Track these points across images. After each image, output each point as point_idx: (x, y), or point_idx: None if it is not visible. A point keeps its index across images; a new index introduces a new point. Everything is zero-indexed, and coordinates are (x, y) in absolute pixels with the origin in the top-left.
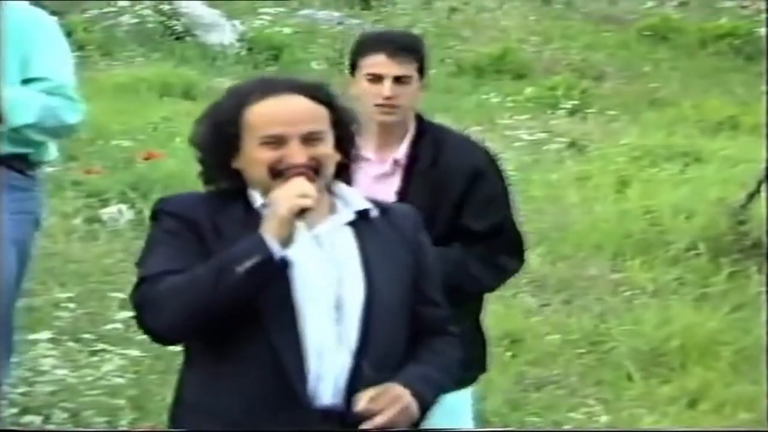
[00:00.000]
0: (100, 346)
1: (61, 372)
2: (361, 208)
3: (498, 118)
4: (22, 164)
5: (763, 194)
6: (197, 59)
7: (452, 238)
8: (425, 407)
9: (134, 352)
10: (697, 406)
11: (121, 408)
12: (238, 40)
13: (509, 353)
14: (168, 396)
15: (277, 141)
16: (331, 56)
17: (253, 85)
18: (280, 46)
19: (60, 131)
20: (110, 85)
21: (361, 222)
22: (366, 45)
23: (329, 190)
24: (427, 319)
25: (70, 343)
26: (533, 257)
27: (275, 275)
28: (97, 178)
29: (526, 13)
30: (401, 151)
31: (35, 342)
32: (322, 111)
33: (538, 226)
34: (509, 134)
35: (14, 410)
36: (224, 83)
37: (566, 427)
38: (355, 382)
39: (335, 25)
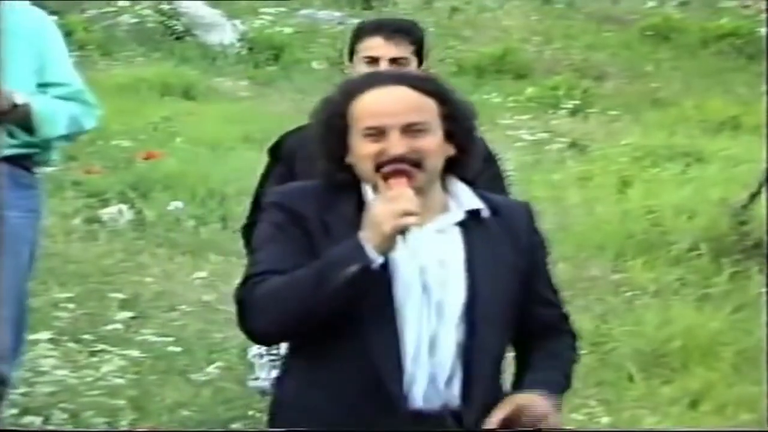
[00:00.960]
0: (100, 346)
1: (61, 372)
2: (472, 208)
3: (499, 118)
4: (28, 162)
5: (764, 194)
6: (197, 59)
7: None
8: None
9: (134, 353)
10: (699, 407)
11: (121, 408)
12: (239, 40)
13: (512, 354)
14: (168, 397)
15: (378, 132)
16: (332, 56)
17: (362, 78)
18: (280, 45)
19: (77, 136)
20: (110, 85)
21: (472, 222)
22: (363, 30)
23: (443, 187)
24: (542, 318)
25: (70, 344)
26: None
27: (374, 283)
28: (97, 178)
29: (527, 12)
30: None
31: (35, 342)
32: (427, 102)
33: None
34: (510, 134)
35: (14, 411)
36: (224, 83)
37: (567, 428)
38: (470, 389)
39: (336, 24)
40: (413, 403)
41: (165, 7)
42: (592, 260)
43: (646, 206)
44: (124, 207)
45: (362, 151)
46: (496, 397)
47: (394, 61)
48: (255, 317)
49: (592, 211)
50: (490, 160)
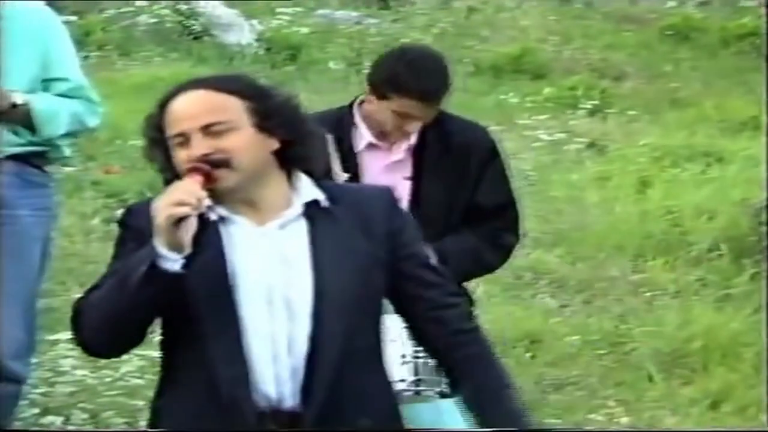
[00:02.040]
0: None
1: (80, 372)
2: (310, 199)
3: (517, 118)
4: (39, 161)
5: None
6: (215, 59)
7: (464, 218)
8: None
9: (153, 353)
10: (720, 408)
11: (139, 409)
12: (256, 40)
13: (528, 354)
14: None
15: (184, 139)
16: (349, 56)
17: (171, 87)
18: (297, 45)
19: (81, 134)
20: (128, 85)
21: (318, 213)
22: (400, 84)
23: (290, 183)
24: (429, 303)
25: None
26: (553, 258)
27: (167, 282)
28: (116, 177)
29: (545, 12)
30: (413, 137)
31: (55, 342)
32: (228, 100)
33: (558, 226)
34: (528, 134)
35: (35, 410)
36: None
37: (586, 428)
38: (311, 384)
39: (353, 24)
40: (282, 404)
41: (183, 7)
42: (610, 260)
43: (666, 206)
44: None
45: (176, 159)
46: (355, 390)
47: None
48: (78, 329)
49: (610, 212)
50: (493, 154)
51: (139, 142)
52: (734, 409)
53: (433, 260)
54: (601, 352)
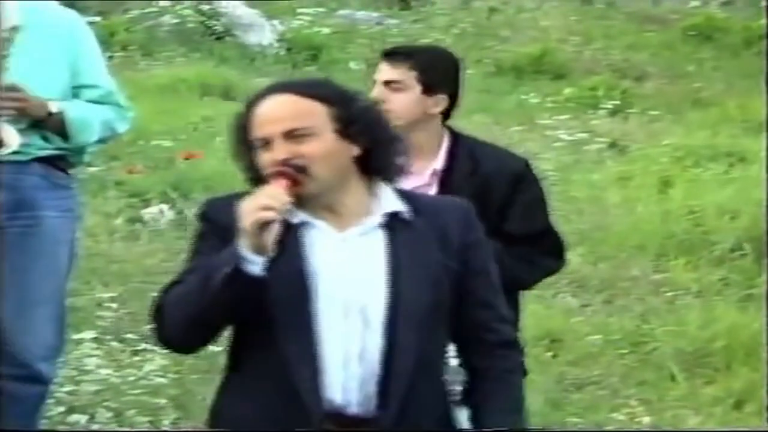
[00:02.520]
0: (143, 345)
1: (104, 371)
2: (392, 210)
3: (538, 118)
4: (64, 163)
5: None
6: (237, 59)
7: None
8: None
9: (175, 353)
10: (743, 408)
11: (162, 408)
12: (278, 40)
13: (550, 353)
14: (210, 396)
15: (267, 142)
16: (370, 56)
17: (259, 89)
18: (318, 46)
19: (110, 140)
20: (151, 85)
21: (398, 223)
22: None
23: (370, 191)
24: (477, 322)
25: (114, 343)
26: (574, 257)
27: (250, 285)
28: (139, 177)
29: (566, 13)
30: (440, 161)
31: (80, 341)
32: (312, 106)
33: (579, 226)
34: (549, 134)
35: (61, 409)
36: (263, 83)
37: (608, 428)
38: (386, 394)
39: (374, 25)
40: (347, 410)
41: (205, 7)
42: (632, 260)
43: (688, 206)
44: (165, 207)
45: (260, 162)
46: (425, 398)
47: (387, 83)
48: (161, 325)
49: (632, 211)
50: (520, 182)
51: (162, 142)
52: (757, 409)
53: (497, 281)
54: (623, 351)
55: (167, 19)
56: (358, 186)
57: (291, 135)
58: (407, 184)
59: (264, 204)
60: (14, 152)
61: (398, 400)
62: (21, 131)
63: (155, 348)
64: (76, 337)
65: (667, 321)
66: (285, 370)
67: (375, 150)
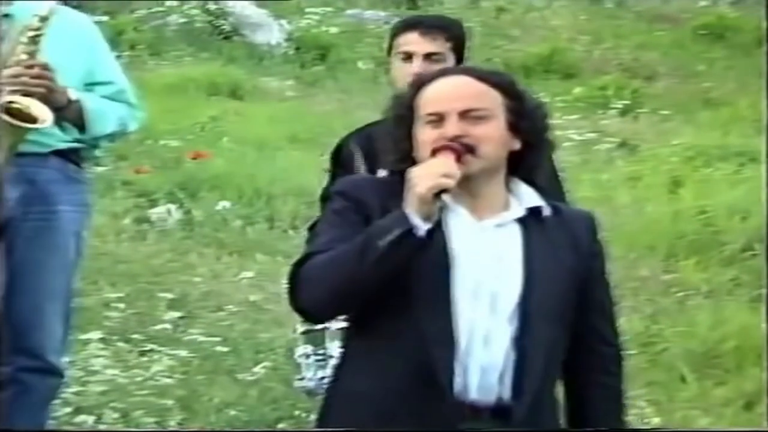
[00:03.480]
0: (149, 346)
1: (111, 372)
2: (533, 205)
3: None
4: (78, 157)
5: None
6: (244, 59)
7: None
8: None
9: (182, 353)
10: (754, 409)
11: (169, 408)
12: (286, 40)
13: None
14: (216, 396)
15: (438, 118)
16: (378, 56)
17: (432, 72)
18: (327, 45)
19: (121, 137)
20: (159, 85)
21: (532, 220)
22: (400, 26)
23: (507, 186)
24: (590, 326)
25: (120, 343)
26: None
27: (418, 249)
28: (147, 177)
29: (575, 12)
30: None
31: (87, 342)
32: (490, 92)
33: None
34: (558, 134)
35: (68, 410)
36: (271, 83)
37: (615, 428)
38: (520, 384)
39: (382, 24)
40: (465, 395)
41: (212, 6)
42: (642, 260)
43: (699, 206)
44: (172, 207)
45: (423, 138)
46: (549, 392)
47: (428, 56)
48: (303, 292)
49: (642, 211)
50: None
51: (170, 141)
52: None
53: (614, 298)
54: (632, 352)
55: (174, 18)
56: (501, 179)
57: (467, 114)
58: None
59: (443, 171)
60: (33, 144)
61: (531, 393)
62: None
63: (162, 348)
64: (83, 337)
65: (677, 321)
66: (422, 348)
67: (533, 149)
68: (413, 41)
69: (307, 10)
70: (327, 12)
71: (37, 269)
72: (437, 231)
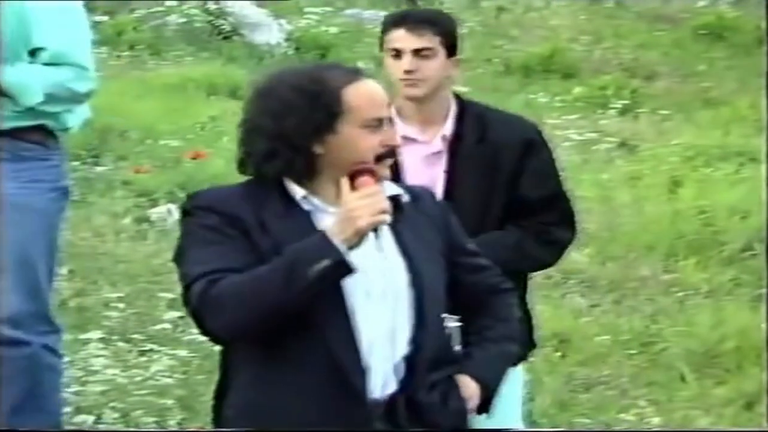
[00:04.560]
0: (149, 346)
1: (111, 372)
2: (393, 194)
3: (546, 117)
4: (38, 135)
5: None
6: (244, 59)
7: (508, 214)
8: (490, 392)
9: (182, 353)
10: (754, 408)
11: (169, 408)
12: (285, 40)
13: (558, 354)
14: None
15: (378, 124)
16: (378, 56)
17: (343, 68)
18: (326, 45)
19: (72, 101)
20: (159, 85)
21: (395, 209)
22: (388, 22)
23: None
24: (480, 285)
25: (120, 343)
26: (583, 257)
27: (344, 277)
28: (146, 177)
29: (575, 12)
30: (448, 127)
31: (86, 342)
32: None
33: (588, 226)
34: (558, 134)
35: (68, 409)
36: None
37: (617, 429)
38: (413, 373)
39: (381, 24)
40: (372, 394)
41: (212, 6)
42: (642, 260)
43: (698, 206)
44: (172, 207)
45: (361, 141)
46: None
47: (417, 52)
48: (217, 316)
49: (641, 211)
50: (531, 148)
51: (170, 141)
52: None
53: (474, 247)
54: (632, 352)
55: (174, 18)
56: None
57: (390, 122)
58: (420, 152)
59: (383, 208)
60: None
61: (424, 381)
62: None
63: (162, 348)
64: (82, 337)
65: (676, 321)
66: (329, 355)
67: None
68: (401, 38)
69: (307, 9)
70: (326, 12)
71: None
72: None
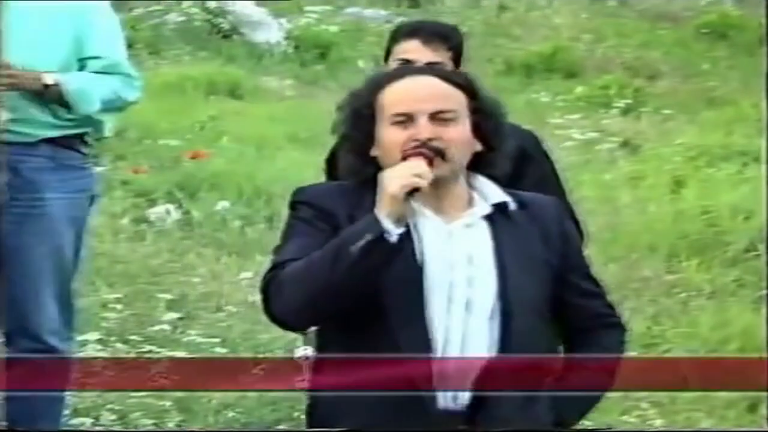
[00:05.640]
0: (148, 347)
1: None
2: (498, 201)
3: (548, 117)
4: (76, 143)
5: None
6: (244, 58)
7: None
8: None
9: (181, 354)
10: (757, 410)
11: (167, 410)
12: (285, 39)
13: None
14: (214, 398)
15: (407, 119)
16: (379, 55)
17: (391, 70)
18: (326, 44)
19: (121, 109)
20: (157, 84)
21: (499, 216)
22: (401, 31)
23: (468, 183)
24: (585, 311)
25: (118, 344)
26: None
27: (390, 253)
28: (145, 177)
29: (577, 11)
30: None
31: (84, 343)
32: (456, 93)
33: (590, 226)
34: (560, 134)
35: (65, 411)
36: (271, 82)
37: (619, 430)
38: (486, 384)
39: (382, 23)
40: (442, 400)
41: (211, 5)
42: (644, 261)
43: (701, 206)
44: (171, 207)
45: (390, 138)
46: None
47: (428, 65)
48: (277, 302)
49: (644, 211)
50: (527, 158)
51: (169, 141)
52: None
53: (593, 271)
54: (635, 353)
55: (173, 17)
56: (463, 179)
57: (437, 116)
58: None
59: (415, 171)
60: (19, 134)
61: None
62: (27, 108)
63: (160, 350)
64: (80, 338)
65: (679, 322)
66: (396, 355)
67: (494, 150)
68: (414, 49)
69: (307, 8)
70: (327, 10)
71: (26, 255)
72: (407, 238)
